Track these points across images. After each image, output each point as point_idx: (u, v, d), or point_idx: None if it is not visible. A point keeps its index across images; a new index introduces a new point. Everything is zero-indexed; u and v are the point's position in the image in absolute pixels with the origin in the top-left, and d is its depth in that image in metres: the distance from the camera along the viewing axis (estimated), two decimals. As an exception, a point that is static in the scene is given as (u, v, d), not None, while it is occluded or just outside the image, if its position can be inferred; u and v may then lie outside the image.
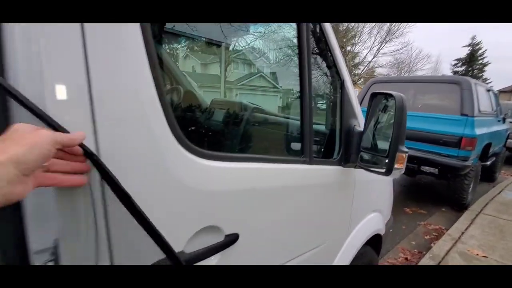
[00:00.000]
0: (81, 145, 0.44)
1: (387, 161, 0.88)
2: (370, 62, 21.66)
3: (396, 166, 0.88)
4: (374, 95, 0.98)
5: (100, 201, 0.47)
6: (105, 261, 0.49)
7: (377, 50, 21.14)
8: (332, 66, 1.01)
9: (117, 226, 0.50)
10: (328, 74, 1.04)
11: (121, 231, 0.50)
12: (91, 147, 0.45)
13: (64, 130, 0.42)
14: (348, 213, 1.18)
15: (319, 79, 1.03)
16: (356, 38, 20.54)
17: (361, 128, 1.06)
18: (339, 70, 1.02)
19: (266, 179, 0.78)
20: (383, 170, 0.89)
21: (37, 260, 0.46)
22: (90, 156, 0.44)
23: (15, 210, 0.44)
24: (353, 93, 1.09)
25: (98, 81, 0.46)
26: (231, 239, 0.69)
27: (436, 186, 4.81)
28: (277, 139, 1.13)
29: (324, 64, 1.01)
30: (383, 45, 20.95)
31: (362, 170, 1.06)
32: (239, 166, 0.70)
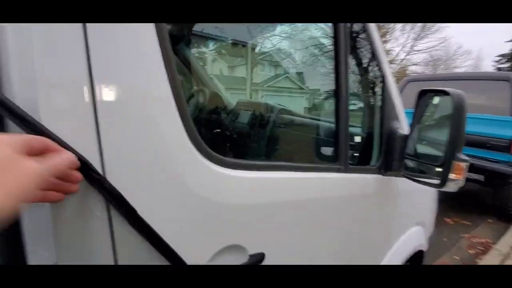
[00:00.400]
0: (81, 160, 0.37)
1: (440, 170, 0.74)
2: (402, 60, 20.55)
3: (451, 177, 0.73)
4: (423, 93, 0.85)
5: (106, 225, 0.41)
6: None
7: (410, 47, 20.01)
8: (372, 59, 0.89)
9: (125, 249, 0.43)
10: (367, 68, 0.92)
11: (130, 254, 0.44)
12: (94, 156, 0.39)
13: (59, 142, 0.35)
14: (389, 227, 1.04)
15: (357, 74, 0.91)
16: (388, 35, 19.60)
17: (405, 131, 0.93)
18: (380, 64, 0.90)
19: (296, 190, 0.68)
20: (436, 182, 0.75)
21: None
22: (88, 172, 0.38)
23: (14, 229, 0.39)
24: (395, 90, 0.96)
25: (102, 83, 0.39)
26: (256, 260, 0.60)
27: (481, 194, 4.36)
28: (307, 144, 1.03)
29: (362, 58, 0.89)
30: (417, 41, 19.76)
31: (404, 178, 0.92)
32: (265, 175, 0.62)
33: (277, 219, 0.64)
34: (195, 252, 0.51)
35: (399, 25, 19.13)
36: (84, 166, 0.38)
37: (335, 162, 0.80)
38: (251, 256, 0.59)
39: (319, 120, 1.17)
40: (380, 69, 0.91)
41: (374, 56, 0.89)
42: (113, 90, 0.41)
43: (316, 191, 0.73)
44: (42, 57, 0.35)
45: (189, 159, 0.49)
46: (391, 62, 20.09)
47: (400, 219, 1.08)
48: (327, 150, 0.87)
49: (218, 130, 0.82)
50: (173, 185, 0.47)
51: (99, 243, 0.42)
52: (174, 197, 0.47)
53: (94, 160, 0.39)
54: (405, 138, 0.90)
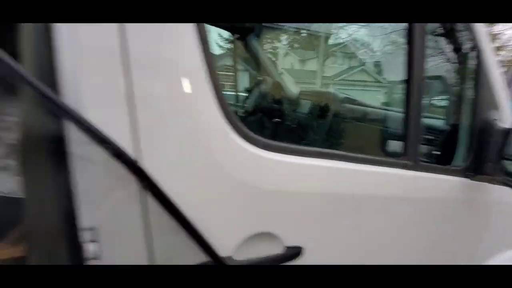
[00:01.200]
0: (120, 152, 0.40)
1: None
2: (517, 46, 16.37)
3: None
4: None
5: (139, 207, 0.44)
6: (143, 260, 0.45)
7: (530, 30, 15.76)
8: (462, 30, 0.70)
9: (157, 225, 0.45)
10: (454, 42, 0.73)
11: (161, 231, 0.45)
12: (127, 138, 0.41)
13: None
14: (471, 246, 0.83)
15: (439, 51, 0.74)
16: (498, 17, 15.86)
17: (508, 125, 0.71)
18: (474, 34, 0.69)
19: (350, 183, 0.60)
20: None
21: (83, 236, 0.45)
22: (130, 164, 0.41)
23: (69, 188, 0.44)
24: (496, 71, 0.74)
25: (138, 62, 0.40)
26: (292, 253, 0.55)
27: None
28: (367, 133, 0.89)
29: (448, 29, 0.71)
30: (542, 22, 15.39)
31: (502, 187, 0.71)
32: (313, 163, 0.55)
33: (321, 211, 0.57)
34: (227, 232, 0.49)
35: (516, 3, 15.21)
36: (117, 151, 0.40)
37: (400, 157, 0.67)
38: (288, 248, 0.54)
39: (387, 110, 1.00)
40: (474, 43, 0.71)
41: (465, 26, 0.70)
42: (149, 70, 0.42)
43: (372, 186, 0.62)
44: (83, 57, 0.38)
45: (223, 138, 0.47)
46: (500, 48, 16.26)
47: (490, 238, 0.85)
48: (392, 143, 0.74)
49: (260, 111, 0.78)
50: (207, 165, 0.46)
51: (135, 223, 0.44)
52: (207, 177, 0.46)
53: (128, 145, 0.41)
54: (507, 132, 0.69)
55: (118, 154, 0.41)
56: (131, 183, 0.42)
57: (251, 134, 0.49)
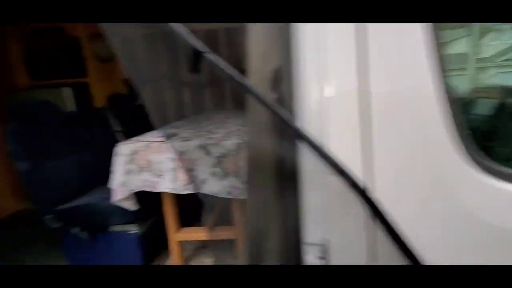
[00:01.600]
0: (353, 182, 0.42)
1: None
2: None
3: None
4: None
5: (369, 222, 0.45)
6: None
7: None
8: None
9: (382, 253, 0.45)
10: None
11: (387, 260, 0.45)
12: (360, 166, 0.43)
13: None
14: None
15: None
16: None
17: None
18: None
19: None
20: None
21: (307, 251, 0.50)
22: (361, 193, 0.43)
23: (296, 205, 0.50)
24: None
25: (376, 84, 0.41)
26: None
27: None
28: None
29: None
30: None
31: None
32: None
33: None
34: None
35: None
36: (351, 180, 0.42)
37: None
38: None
39: None
40: None
41: None
42: (384, 105, 0.42)
43: None
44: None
45: (452, 168, 0.42)
46: None
47: None
48: None
49: (482, 131, 0.66)
50: (441, 201, 0.43)
51: (361, 246, 0.46)
52: (441, 214, 0.43)
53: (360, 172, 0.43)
54: None
55: (352, 184, 0.43)
56: (362, 209, 0.44)
57: (493, 165, 0.43)
